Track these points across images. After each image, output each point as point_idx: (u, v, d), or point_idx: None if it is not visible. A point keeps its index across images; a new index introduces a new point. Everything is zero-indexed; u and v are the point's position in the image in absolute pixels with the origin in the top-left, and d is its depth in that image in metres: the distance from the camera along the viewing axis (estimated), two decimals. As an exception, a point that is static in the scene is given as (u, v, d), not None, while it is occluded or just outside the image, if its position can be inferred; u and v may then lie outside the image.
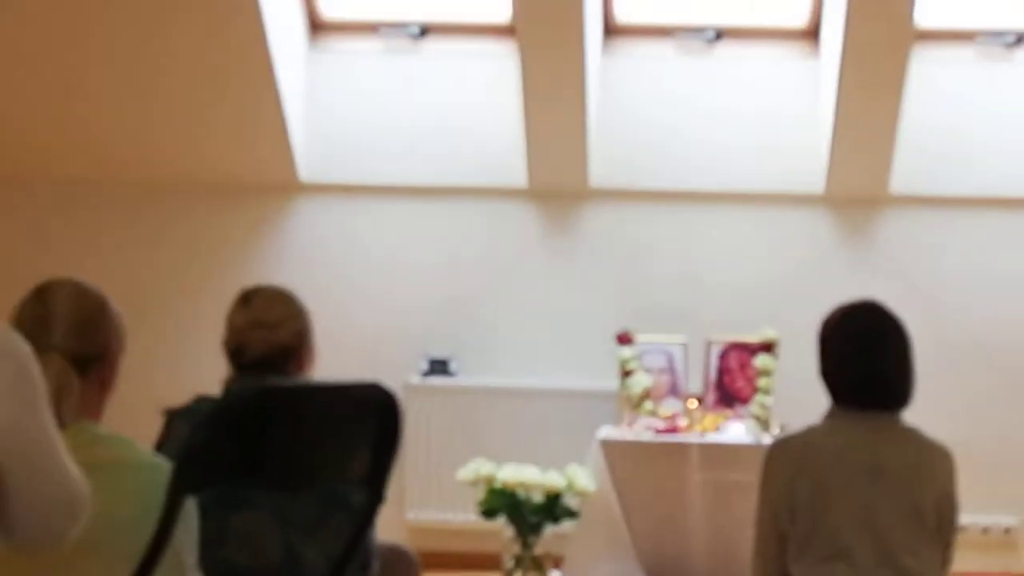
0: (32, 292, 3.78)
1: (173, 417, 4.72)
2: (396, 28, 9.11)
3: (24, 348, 3.00)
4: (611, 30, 9.08)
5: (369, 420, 3.71)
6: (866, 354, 4.54)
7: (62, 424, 3.20)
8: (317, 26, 9.14)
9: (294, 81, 8.89)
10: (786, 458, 4.55)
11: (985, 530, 8.92)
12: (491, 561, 8.65)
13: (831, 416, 4.57)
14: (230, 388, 4.74)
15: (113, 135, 9.00)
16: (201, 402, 4.73)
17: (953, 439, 4.85)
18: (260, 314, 4.83)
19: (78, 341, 3.70)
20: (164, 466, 3.60)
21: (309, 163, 9.20)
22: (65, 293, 3.77)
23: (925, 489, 4.51)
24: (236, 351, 4.82)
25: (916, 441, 4.55)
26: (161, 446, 4.49)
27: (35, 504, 3.01)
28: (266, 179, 9.17)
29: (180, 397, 4.81)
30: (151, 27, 8.37)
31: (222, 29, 8.36)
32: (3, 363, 2.95)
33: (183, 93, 8.74)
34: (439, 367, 9.18)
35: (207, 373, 5.06)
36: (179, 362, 8.67)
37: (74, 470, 3.09)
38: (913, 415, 4.55)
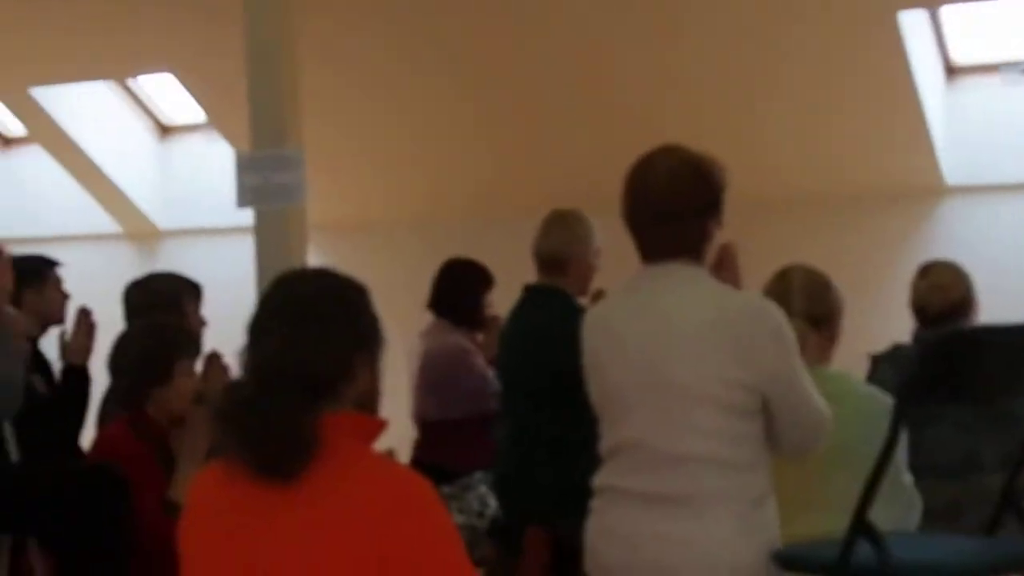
0: (775, 275, 3.73)
1: (877, 360, 4.58)
2: (1011, 64, 8.46)
3: (782, 315, 3.05)
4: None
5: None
6: None
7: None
8: (951, 69, 8.55)
9: (936, 106, 8.29)
10: None
11: None
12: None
13: None
14: (920, 336, 4.51)
15: (789, 158, 8.53)
16: (897, 348, 4.59)
17: None
18: (936, 280, 4.56)
19: (811, 307, 3.62)
20: (881, 396, 3.54)
21: (950, 170, 8.55)
22: (799, 273, 3.71)
23: None
24: (920, 309, 4.56)
25: None
26: (870, 380, 4.30)
27: (794, 423, 3.06)
28: (914, 184, 8.57)
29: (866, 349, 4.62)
30: (824, 70, 7.90)
31: (879, 72, 7.85)
32: (777, 329, 3.02)
33: (855, 122, 8.23)
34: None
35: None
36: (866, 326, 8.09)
37: (819, 399, 3.10)
38: None
